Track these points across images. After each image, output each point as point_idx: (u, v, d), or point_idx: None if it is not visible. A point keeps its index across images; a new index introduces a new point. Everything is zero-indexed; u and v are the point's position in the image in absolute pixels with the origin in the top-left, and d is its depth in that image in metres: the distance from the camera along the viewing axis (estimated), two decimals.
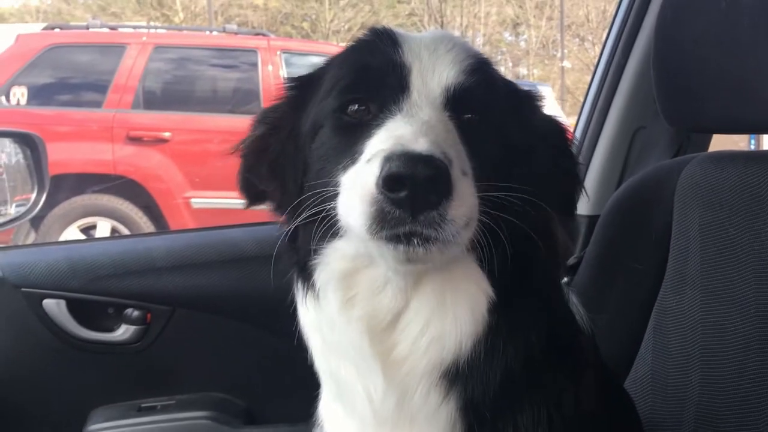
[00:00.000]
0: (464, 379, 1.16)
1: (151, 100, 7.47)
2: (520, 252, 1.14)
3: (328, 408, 1.35)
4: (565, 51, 25.44)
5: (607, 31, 2.50)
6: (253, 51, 7.67)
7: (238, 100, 7.63)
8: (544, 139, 1.25)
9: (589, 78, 2.63)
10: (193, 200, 6.88)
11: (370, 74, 1.19)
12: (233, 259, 2.27)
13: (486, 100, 1.18)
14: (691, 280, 1.76)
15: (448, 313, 1.15)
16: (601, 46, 2.59)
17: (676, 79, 1.75)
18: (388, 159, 1.01)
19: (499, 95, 1.22)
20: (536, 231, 1.16)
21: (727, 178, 1.73)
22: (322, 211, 1.13)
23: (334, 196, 1.11)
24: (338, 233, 1.14)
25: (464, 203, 1.04)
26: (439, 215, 1.02)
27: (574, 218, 1.30)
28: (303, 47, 9.33)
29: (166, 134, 7.10)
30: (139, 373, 2.28)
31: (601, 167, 2.43)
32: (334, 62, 1.28)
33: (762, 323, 1.59)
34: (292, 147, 1.27)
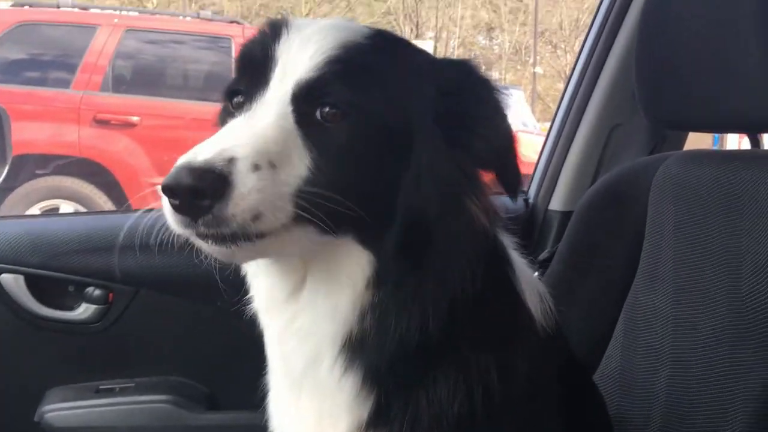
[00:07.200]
0: (362, 350, 1.18)
1: (120, 83, 7.32)
2: (416, 231, 1.15)
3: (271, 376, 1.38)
4: (538, 57, 25.63)
5: (580, 39, 2.52)
6: (226, 38, 7.56)
7: (209, 87, 7.52)
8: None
9: (560, 85, 2.66)
10: (159, 186, 6.78)
11: (248, 68, 1.23)
12: None
13: (349, 92, 1.14)
14: (663, 276, 1.76)
15: (335, 289, 1.18)
16: (573, 55, 2.62)
17: (659, 75, 1.75)
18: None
19: (374, 84, 1.16)
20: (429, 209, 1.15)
21: (703, 176, 1.73)
22: None
23: None
24: None
25: (245, 199, 1.04)
26: (214, 217, 1.05)
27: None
28: None
29: (135, 118, 6.97)
30: (98, 354, 2.22)
31: (576, 164, 2.43)
32: None
33: (733, 321, 1.59)
34: None
